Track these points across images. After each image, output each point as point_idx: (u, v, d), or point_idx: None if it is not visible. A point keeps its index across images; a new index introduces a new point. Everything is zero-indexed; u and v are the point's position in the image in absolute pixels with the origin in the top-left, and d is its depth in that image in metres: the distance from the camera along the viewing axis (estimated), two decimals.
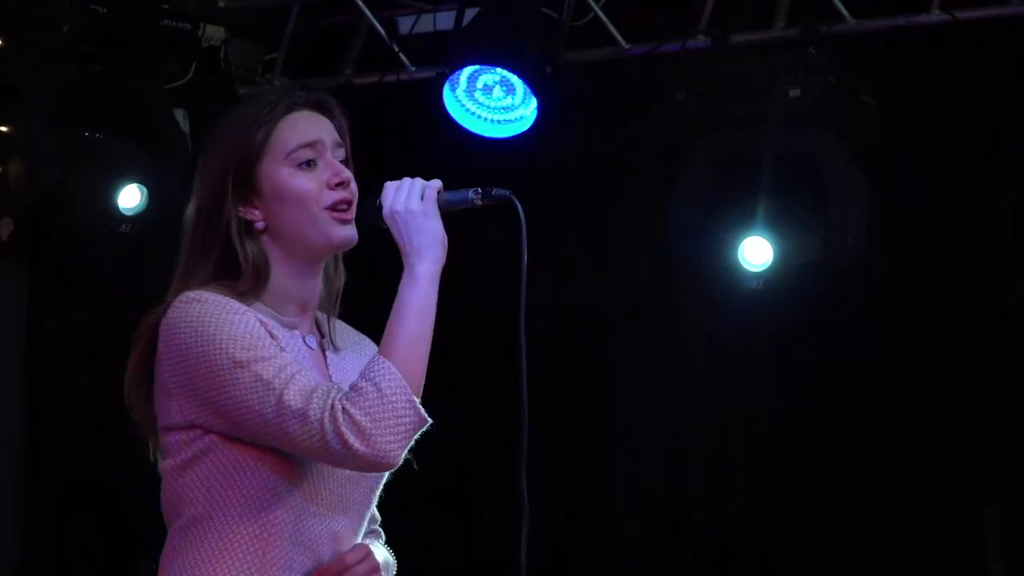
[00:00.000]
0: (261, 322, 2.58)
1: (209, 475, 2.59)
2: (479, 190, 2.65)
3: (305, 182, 2.66)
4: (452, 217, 2.65)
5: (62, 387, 6.09)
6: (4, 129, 5.32)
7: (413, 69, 5.78)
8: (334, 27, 6.05)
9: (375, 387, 2.50)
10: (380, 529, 2.90)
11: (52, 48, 5.23)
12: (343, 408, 2.48)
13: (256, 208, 2.68)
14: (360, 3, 5.78)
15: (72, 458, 6.05)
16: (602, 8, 5.54)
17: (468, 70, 5.19)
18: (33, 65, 5.26)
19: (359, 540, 2.70)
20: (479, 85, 5.21)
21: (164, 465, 2.67)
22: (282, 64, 6.01)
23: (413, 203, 2.60)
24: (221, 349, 2.53)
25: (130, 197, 5.44)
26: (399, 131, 5.36)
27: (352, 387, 2.52)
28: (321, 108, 2.74)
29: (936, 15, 5.24)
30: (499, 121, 5.23)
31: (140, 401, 2.72)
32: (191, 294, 2.61)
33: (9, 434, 6.04)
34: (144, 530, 6.17)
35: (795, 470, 5.76)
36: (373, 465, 2.52)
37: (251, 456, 2.57)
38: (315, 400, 2.49)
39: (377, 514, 2.87)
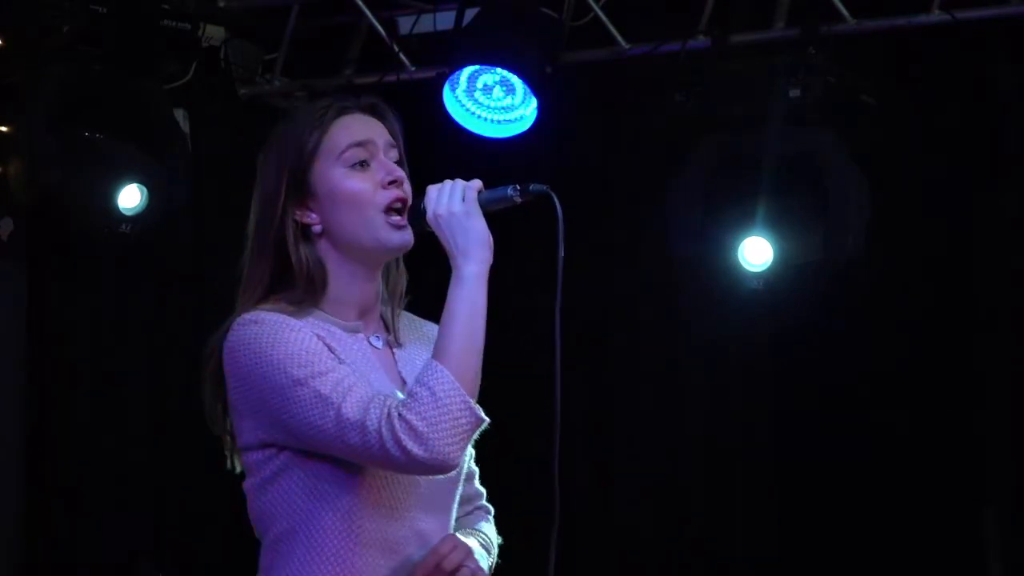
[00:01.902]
0: (318, 335, 2.63)
1: (290, 492, 2.65)
2: (517, 187, 2.67)
3: (358, 182, 2.70)
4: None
5: (62, 387, 6.08)
6: (4, 129, 5.32)
7: (413, 69, 5.78)
8: (334, 27, 6.05)
9: (430, 391, 2.54)
10: (486, 504, 2.94)
11: (52, 48, 5.22)
12: (400, 415, 2.53)
13: (312, 211, 2.72)
14: (360, 3, 5.78)
15: (72, 458, 6.05)
16: (602, 8, 5.54)
17: (468, 70, 5.19)
18: (33, 65, 5.26)
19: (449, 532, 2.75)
20: (479, 85, 5.21)
21: (246, 484, 2.73)
22: (282, 64, 6.01)
23: (455, 205, 2.63)
24: (279, 369, 2.58)
25: (130, 197, 5.43)
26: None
27: (408, 393, 2.56)
28: (373, 111, 2.78)
29: (936, 15, 5.23)
30: (499, 121, 5.23)
31: (219, 419, 2.75)
32: (248, 315, 2.66)
33: (9, 434, 6.03)
34: (144, 530, 6.19)
35: (794, 470, 5.76)
36: (433, 468, 2.56)
37: (328, 469, 2.63)
38: (372, 410, 2.54)
39: (481, 489, 2.92)
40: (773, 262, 5.24)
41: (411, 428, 2.51)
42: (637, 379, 5.94)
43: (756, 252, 5.26)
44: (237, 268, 2.79)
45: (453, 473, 2.70)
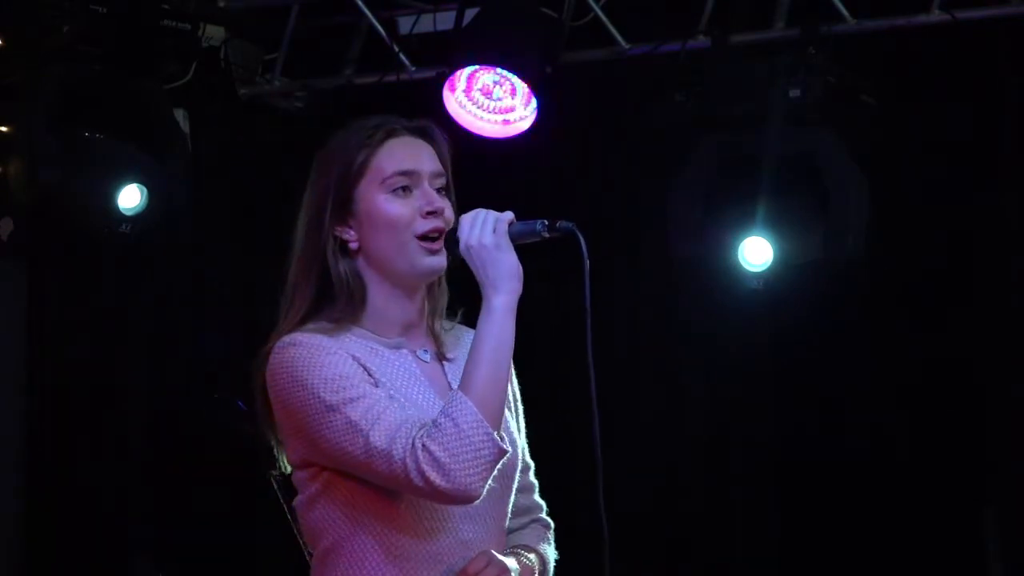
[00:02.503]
0: (355, 356, 2.67)
1: (333, 509, 2.71)
2: (546, 222, 2.72)
3: (398, 208, 2.74)
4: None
5: (62, 387, 6.09)
6: (4, 129, 5.32)
7: (413, 69, 5.78)
8: (334, 27, 6.05)
9: (453, 423, 2.58)
10: (545, 519, 2.98)
11: (52, 48, 5.22)
12: (423, 446, 2.57)
13: (351, 228, 2.76)
14: (360, 3, 5.78)
15: (72, 458, 6.05)
16: (602, 8, 5.54)
17: (468, 70, 5.19)
18: (33, 65, 5.26)
19: (500, 543, 2.79)
20: (479, 85, 5.21)
21: (296, 500, 2.79)
22: (282, 64, 6.01)
23: (486, 237, 2.67)
24: (313, 394, 2.64)
25: (130, 197, 5.43)
26: None
27: (433, 423, 2.60)
28: (422, 134, 2.82)
29: (936, 15, 5.24)
30: (499, 121, 5.23)
31: (268, 428, 2.81)
32: (286, 339, 2.70)
33: (9, 434, 6.04)
34: (144, 530, 6.18)
35: (794, 470, 5.76)
36: (456, 499, 2.61)
37: (365, 488, 2.68)
38: (399, 440, 2.58)
39: (539, 502, 2.96)
40: (773, 262, 5.24)
41: (434, 459, 2.56)
42: (637, 379, 5.94)
43: (756, 252, 5.26)
44: (281, 275, 2.82)
45: (501, 483, 2.74)
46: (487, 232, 2.67)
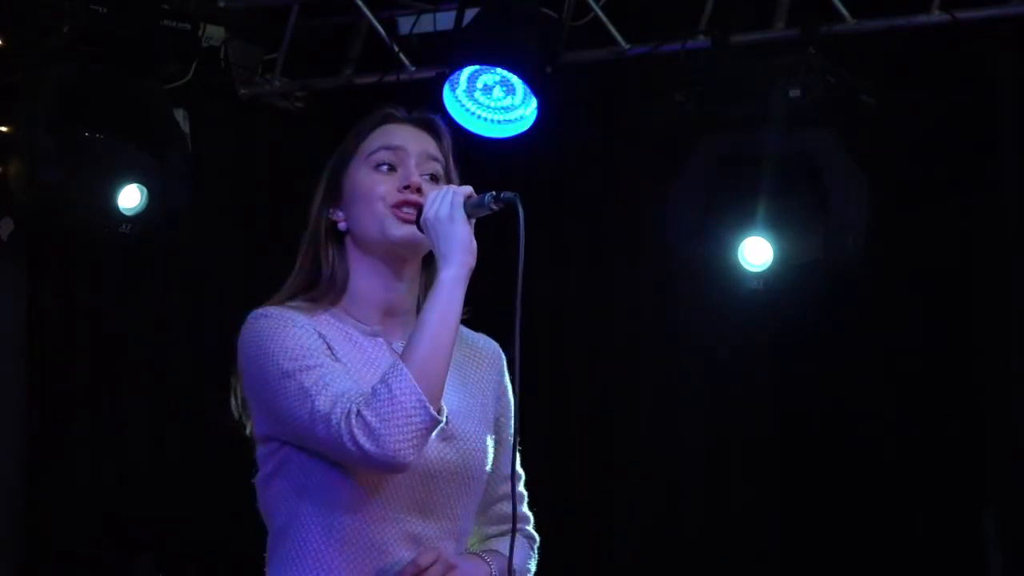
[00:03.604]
0: (321, 333, 2.68)
1: (286, 486, 2.70)
2: (493, 194, 2.68)
3: (377, 182, 2.76)
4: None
5: (62, 387, 6.09)
6: (4, 129, 5.32)
7: (413, 69, 5.78)
8: (334, 27, 6.05)
9: (387, 389, 2.57)
10: (528, 530, 2.89)
11: (52, 48, 5.23)
12: (358, 411, 2.56)
13: (340, 209, 2.78)
14: (360, 3, 5.78)
15: (72, 458, 6.06)
16: (602, 8, 5.54)
17: (468, 70, 5.19)
18: (33, 65, 5.26)
19: (457, 544, 2.74)
20: (479, 85, 5.21)
21: (256, 478, 2.77)
22: (282, 64, 6.01)
23: (443, 210, 2.67)
24: (272, 360, 2.65)
25: (130, 197, 5.43)
26: None
27: (371, 390, 2.59)
28: (423, 125, 2.83)
29: (936, 15, 5.24)
30: (499, 121, 5.23)
31: (244, 412, 2.81)
32: (259, 310, 2.72)
33: (9, 433, 6.04)
34: (144, 530, 6.19)
35: (795, 470, 5.76)
36: (385, 465, 2.57)
37: (318, 466, 2.66)
38: (339, 405, 2.58)
39: (525, 512, 2.87)
40: (773, 262, 5.24)
41: (365, 423, 2.54)
42: (637, 379, 5.94)
43: (756, 252, 5.26)
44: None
45: (457, 480, 2.70)
46: (444, 205, 2.66)
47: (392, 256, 2.75)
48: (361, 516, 2.65)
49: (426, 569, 2.65)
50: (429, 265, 2.77)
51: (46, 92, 5.29)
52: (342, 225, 2.77)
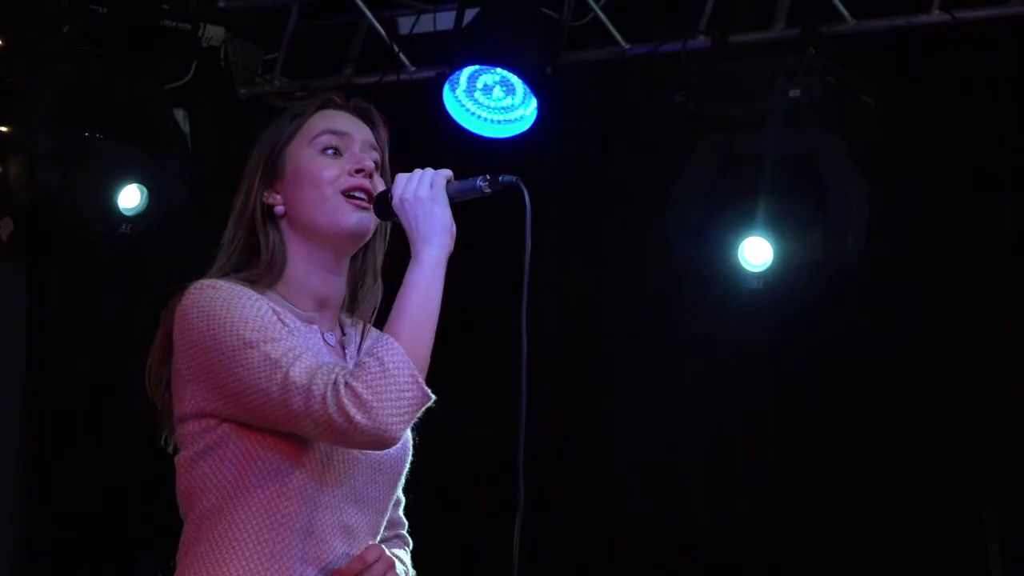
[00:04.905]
0: (274, 310, 2.60)
1: (222, 466, 2.60)
2: (487, 177, 2.65)
3: (325, 166, 2.69)
4: (456, 216, 2.64)
5: (62, 387, 6.08)
6: (4, 129, 5.32)
7: (413, 69, 5.79)
8: (334, 27, 6.05)
9: (378, 362, 2.50)
10: (407, 535, 2.89)
11: (52, 48, 5.23)
12: (346, 382, 2.49)
13: (278, 192, 2.71)
14: (360, 3, 5.78)
15: (72, 457, 6.05)
16: (602, 8, 5.54)
17: (468, 70, 5.20)
18: (33, 65, 5.26)
19: (375, 540, 2.70)
20: (479, 85, 5.22)
21: (179, 458, 2.67)
22: (282, 64, 6.02)
23: (422, 191, 2.61)
24: (231, 330, 2.54)
25: (130, 197, 5.44)
26: (399, 131, 5.35)
27: (357, 363, 2.53)
28: (361, 114, 2.78)
29: (936, 15, 5.24)
30: (499, 121, 5.23)
31: (161, 390, 2.72)
32: (205, 282, 2.62)
33: (9, 434, 6.03)
34: (144, 530, 6.18)
35: (795, 470, 5.76)
36: (375, 439, 2.51)
37: (263, 446, 2.58)
38: (319, 376, 2.50)
39: (403, 519, 2.87)
40: (773, 262, 5.24)
41: (356, 395, 2.47)
42: (637, 379, 5.94)
43: (756, 252, 5.26)
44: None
45: (392, 474, 2.69)
46: (423, 186, 2.61)
47: (333, 245, 2.69)
48: (302, 501, 2.59)
49: (372, 564, 2.62)
50: (354, 260, 2.74)
51: (46, 92, 5.29)
52: (279, 209, 2.70)
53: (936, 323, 5.57)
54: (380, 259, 2.78)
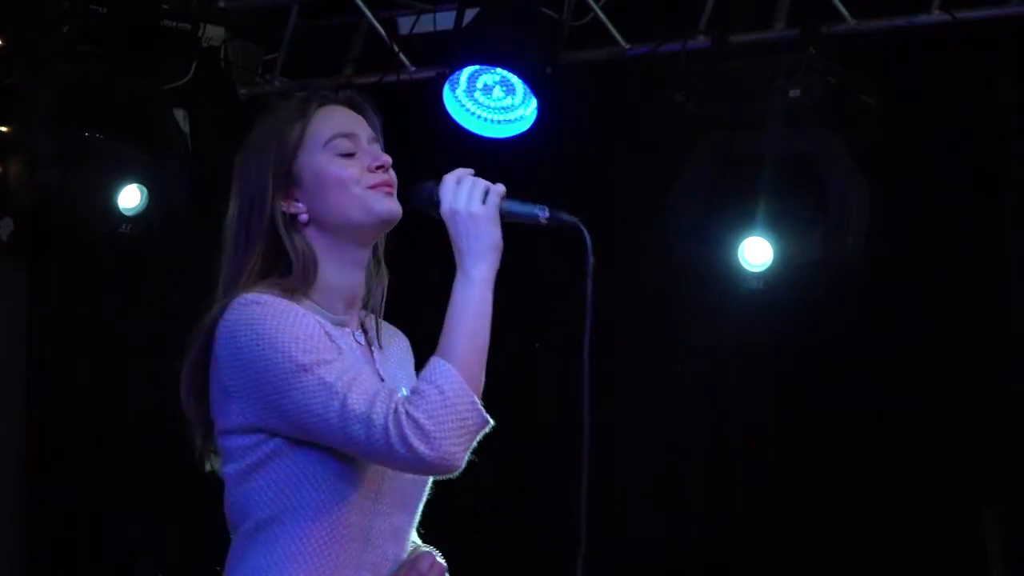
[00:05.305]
0: (318, 323, 2.60)
1: (277, 480, 2.61)
2: (547, 209, 2.64)
3: (345, 167, 2.69)
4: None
5: (62, 387, 6.09)
6: (4, 129, 5.32)
7: (413, 69, 5.79)
8: (334, 27, 6.06)
9: (437, 390, 2.51)
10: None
11: (52, 48, 5.23)
12: (407, 412, 2.50)
13: (298, 200, 2.70)
14: (360, 3, 5.78)
15: (72, 458, 6.05)
16: (602, 8, 5.54)
17: (468, 70, 5.20)
18: (33, 65, 5.26)
19: (412, 536, 2.73)
20: (479, 85, 5.22)
21: (227, 469, 2.68)
22: (282, 64, 6.02)
23: (475, 205, 2.61)
24: (283, 353, 2.54)
25: (130, 197, 5.44)
26: (399, 131, 5.34)
27: (414, 391, 2.53)
28: (353, 106, 2.78)
29: (936, 15, 5.24)
30: (499, 121, 5.23)
31: (195, 402, 2.74)
32: (249, 296, 2.61)
33: (9, 434, 6.04)
34: (144, 530, 6.18)
35: (795, 470, 5.76)
36: (437, 468, 2.53)
37: (317, 459, 2.59)
38: (379, 404, 2.50)
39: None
40: (773, 262, 5.24)
41: (418, 426, 2.48)
42: (637, 379, 5.94)
43: (756, 252, 5.26)
44: (214, 268, 2.74)
45: (420, 477, 2.70)
46: (475, 200, 2.60)
47: (362, 239, 2.69)
48: (360, 511, 2.61)
49: (425, 573, 2.66)
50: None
51: (46, 92, 5.30)
52: (304, 216, 2.68)
53: (936, 323, 5.57)
54: (382, 245, 2.78)
